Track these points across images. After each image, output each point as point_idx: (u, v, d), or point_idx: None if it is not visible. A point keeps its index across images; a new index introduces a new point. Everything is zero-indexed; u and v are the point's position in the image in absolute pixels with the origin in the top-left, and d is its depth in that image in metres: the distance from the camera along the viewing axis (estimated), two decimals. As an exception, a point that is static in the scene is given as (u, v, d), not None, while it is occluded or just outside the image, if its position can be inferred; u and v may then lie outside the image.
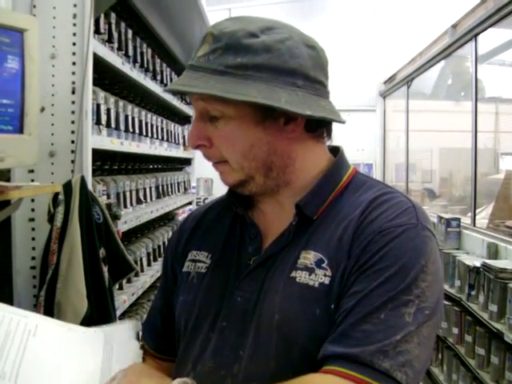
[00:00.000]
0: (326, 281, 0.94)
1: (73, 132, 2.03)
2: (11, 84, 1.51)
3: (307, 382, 0.88)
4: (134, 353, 1.14)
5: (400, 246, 0.92)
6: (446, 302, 3.74)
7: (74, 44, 2.03)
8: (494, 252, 3.53)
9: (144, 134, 3.18)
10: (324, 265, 0.95)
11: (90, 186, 2.01)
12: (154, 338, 1.21)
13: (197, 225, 1.18)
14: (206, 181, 6.27)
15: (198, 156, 5.28)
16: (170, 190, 4.05)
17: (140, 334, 1.25)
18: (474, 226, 4.24)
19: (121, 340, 1.12)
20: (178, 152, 4.33)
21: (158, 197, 3.66)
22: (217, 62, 0.96)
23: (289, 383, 0.88)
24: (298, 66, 0.97)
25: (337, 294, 0.93)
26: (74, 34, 2.03)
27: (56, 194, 1.90)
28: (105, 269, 1.99)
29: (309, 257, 0.97)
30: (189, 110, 4.79)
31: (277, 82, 0.95)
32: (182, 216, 4.52)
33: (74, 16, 2.03)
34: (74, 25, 2.03)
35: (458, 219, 4.25)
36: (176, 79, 1.03)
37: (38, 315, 1.10)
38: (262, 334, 0.97)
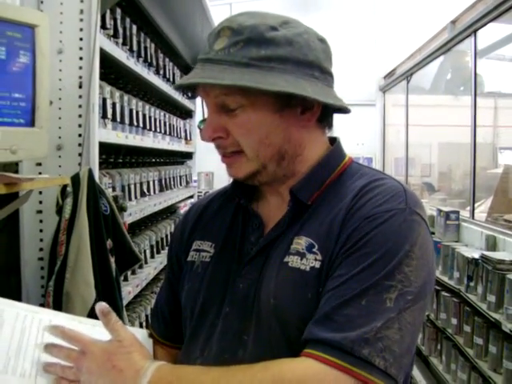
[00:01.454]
0: (317, 265, 0.98)
1: (80, 126, 2.07)
2: (23, 78, 1.55)
3: (285, 365, 0.91)
4: None
5: (385, 231, 0.95)
6: (445, 294, 3.79)
7: (81, 39, 2.06)
8: (492, 244, 3.57)
9: (147, 127, 3.22)
10: (315, 249, 0.99)
11: (96, 179, 2.05)
12: (162, 325, 1.24)
13: (200, 215, 1.22)
14: (207, 174, 6.31)
15: (199, 150, 5.33)
16: (172, 183, 4.09)
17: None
18: (473, 218, 4.28)
19: None
20: (179, 146, 4.37)
21: (161, 190, 3.71)
22: (239, 54, 0.98)
23: (267, 365, 0.91)
24: (315, 58, 1.02)
25: (324, 277, 0.97)
26: (81, 30, 2.06)
27: (64, 187, 1.93)
28: (112, 260, 2.02)
29: (300, 242, 1.01)
30: (190, 105, 4.83)
31: (298, 73, 1.00)
32: (183, 209, 4.56)
33: (81, 11, 2.06)
34: (81, 20, 2.06)
35: (457, 212, 4.29)
36: (191, 73, 1.02)
37: (48, 310, 1.12)
38: (262, 319, 1.00)
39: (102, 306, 1.03)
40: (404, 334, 0.90)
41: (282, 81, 0.97)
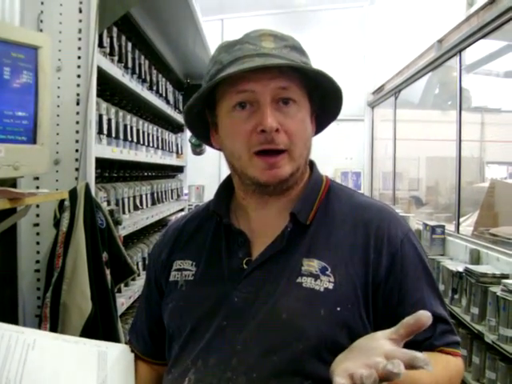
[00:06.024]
0: (330, 286, 1.05)
1: (77, 141, 2.12)
2: (25, 97, 1.61)
3: (451, 362, 1.08)
4: (130, 376, 1.18)
5: (414, 249, 1.12)
6: (431, 306, 3.85)
7: (79, 57, 2.13)
8: (476, 258, 3.67)
9: (141, 142, 3.28)
10: (328, 272, 1.06)
11: (93, 193, 2.10)
12: (142, 343, 1.28)
13: (178, 236, 1.24)
14: (198, 188, 6.36)
15: (189, 163, 5.39)
16: (163, 196, 4.14)
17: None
18: (458, 233, 4.37)
19: (117, 365, 1.15)
20: (171, 160, 4.44)
21: (153, 203, 3.76)
22: (291, 55, 1.08)
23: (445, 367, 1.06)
24: None
25: (345, 298, 1.04)
26: (79, 48, 2.13)
27: (62, 200, 1.98)
28: (107, 272, 2.07)
29: (313, 264, 1.07)
30: (181, 119, 4.89)
31: None
32: (174, 222, 4.59)
33: (80, 31, 2.13)
34: (79, 39, 2.13)
35: (443, 226, 4.38)
36: (246, 63, 1.03)
37: (32, 330, 1.13)
38: (265, 331, 1.04)
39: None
40: None
41: None
